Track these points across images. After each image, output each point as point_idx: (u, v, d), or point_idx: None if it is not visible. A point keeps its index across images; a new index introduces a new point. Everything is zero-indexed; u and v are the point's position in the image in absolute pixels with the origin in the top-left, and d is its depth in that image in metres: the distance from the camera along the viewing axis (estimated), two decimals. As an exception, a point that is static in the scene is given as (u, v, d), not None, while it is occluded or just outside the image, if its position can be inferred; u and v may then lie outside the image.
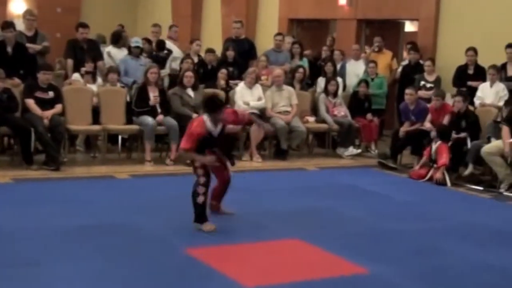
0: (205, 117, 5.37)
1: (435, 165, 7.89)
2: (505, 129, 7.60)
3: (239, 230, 5.54)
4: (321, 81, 10.06)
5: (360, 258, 4.80)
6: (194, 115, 8.37)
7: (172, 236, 5.22)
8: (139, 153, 8.45)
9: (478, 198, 7.23)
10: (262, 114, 9.02)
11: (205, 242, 5.07)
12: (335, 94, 9.59)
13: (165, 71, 9.65)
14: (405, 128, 8.86)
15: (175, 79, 9.16)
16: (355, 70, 10.47)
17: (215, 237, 5.25)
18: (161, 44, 10.06)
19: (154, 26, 10.49)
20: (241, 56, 10.23)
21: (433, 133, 8.06)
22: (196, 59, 9.89)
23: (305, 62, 10.55)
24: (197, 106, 8.53)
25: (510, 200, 7.09)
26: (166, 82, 9.59)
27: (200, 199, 5.34)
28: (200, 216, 5.38)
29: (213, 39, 13.63)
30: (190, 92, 8.58)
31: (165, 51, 10.02)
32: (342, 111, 9.51)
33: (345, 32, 11.87)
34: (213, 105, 5.39)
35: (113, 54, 9.58)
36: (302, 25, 13.13)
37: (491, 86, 8.66)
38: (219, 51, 10.61)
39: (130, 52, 9.32)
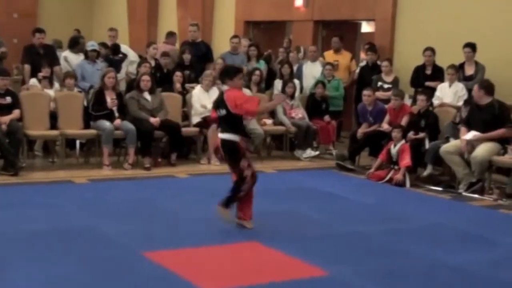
0: (229, 87, 5.46)
1: (396, 166, 7.88)
2: (463, 130, 7.64)
3: (198, 233, 5.45)
4: (278, 83, 10.00)
5: (319, 260, 4.74)
6: (152, 119, 8.26)
7: (130, 239, 5.17)
8: (97, 157, 8.37)
9: (437, 199, 7.24)
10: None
11: (163, 246, 5.00)
12: (292, 96, 9.54)
13: (121, 75, 9.51)
14: (363, 129, 8.85)
15: (132, 83, 9.02)
16: (312, 72, 10.44)
17: (173, 240, 5.18)
18: (116, 48, 9.94)
19: (111, 30, 10.36)
20: (198, 59, 10.18)
21: (395, 134, 8.02)
22: (153, 63, 9.75)
23: (261, 64, 10.48)
24: (154, 110, 8.42)
25: (469, 200, 7.12)
26: (123, 86, 9.44)
27: (239, 194, 5.42)
28: (230, 202, 5.45)
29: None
30: (147, 96, 8.50)
31: (120, 55, 9.89)
32: (299, 113, 9.46)
33: (302, 34, 11.85)
34: (232, 71, 5.53)
35: (70, 59, 9.57)
36: (258, 27, 13.10)
37: (449, 86, 8.71)
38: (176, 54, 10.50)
39: (86, 57, 9.34)
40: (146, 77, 8.49)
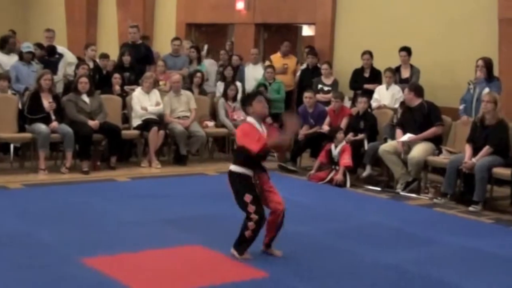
0: (249, 119, 4.84)
1: (337, 167, 7.99)
2: (398, 132, 7.84)
3: (138, 238, 5.37)
4: (220, 86, 9.99)
5: (260, 261, 4.75)
6: (90, 122, 8.12)
7: (68, 246, 5.04)
8: (32, 161, 8.16)
9: (376, 199, 7.39)
10: (160, 120, 8.84)
11: (101, 252, 4.89)
12: (234, 99, 9.56)
13: (58, 77, 9.29)
14: (304, 131, 8.94)
15: (70, 85, 8.84)
16: (254, 74, 10.49)
17: (112, 245, 5.08)
18: (51, 49, 9.71)
19: (47, 31, 10.10)
20: (138, 61, 10.08)
21: (336, 136, 8.13)
22: (91, 65, 9.59)
23: (203, 67, 10.46)
24: (93, 113, 8.28)
25: (406, 200, 7.30)
26: (60, 88, 9.23)
27: (247, 234, 4.75)
28: (242, 248, 4.82)
29: (109, 44, 13.31)
30: (85, 98, 8.34)
31: (56, 56, 9.66)
32: (241, 116, 9.44)
33: (244, 37, 11.90)
34: (249, 96, 4.96)
35: (1, 60, 9.22)
36: (200, 29, 13.06)
37: (387, 88, 8.93)
38: (116, 56, 10.36)
39: (21, 58, 9.06)
40: (84, 79, 8.33)
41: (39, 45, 9.72)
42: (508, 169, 6.69)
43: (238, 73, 10.55)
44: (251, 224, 4.70)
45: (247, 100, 4.89)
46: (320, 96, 9.45)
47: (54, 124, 7.96)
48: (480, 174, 6.80)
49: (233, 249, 4.84)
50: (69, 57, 9.95)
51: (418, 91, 7.78)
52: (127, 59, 9.79)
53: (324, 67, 9.81)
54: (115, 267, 4.57)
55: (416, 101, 7.74)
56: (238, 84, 9.98)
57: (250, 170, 4.75)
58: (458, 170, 7.06)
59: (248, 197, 4.70)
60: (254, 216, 4.67)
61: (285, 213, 4.83)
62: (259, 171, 4.81)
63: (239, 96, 9.75)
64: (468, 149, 7.06)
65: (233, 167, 4.80)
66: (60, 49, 9.98)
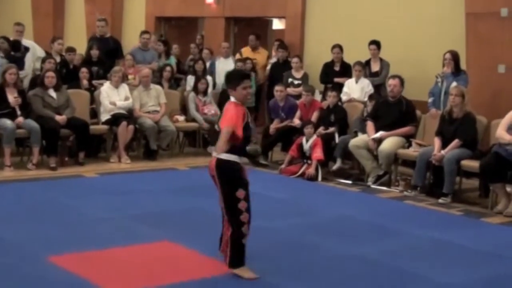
0: (233, 99, 4.33)
1: (309, 161, 7.99)
2: (369, 124, 7.86)
3: (107, 235, 5.29)
4: (190, 80, 9.91)
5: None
6: (57, 117, 7.98)
7: (34, 244, 4.94)
8: (-3, 158, 7.96)
9: (347, 192, 7.41)
10: (130, 115, 8.73)
11: (68, 250, 4.80)
12: (205, 93, 9.48)
13: (24, 72, 9.10)
14: (275, 125, 8.92)
15: (36, 79, 8.66)
16: (224, 68, 10.38)
17: (80, 243, 4.99)
18: (16, 44, 9.49)
19: (18, 25, 9.85)
20: (107, 55, 9.96)
21: (308, 130, 8.12)
22: (58, 59, 9.41)
23: (171, 60, 10.36)
24: (60, 107, 8.15)
25: (377, 193, 7.33)
26: (26, 83, 9.04)
27: (245, 240, 4.27)
28: (240, 258, 4.30)
29: (77, 37, 13.09)
30: (52, 93, 8.20)
31: (22, 50, 9.45)
32: (212, 110, 9.40)
33: (214, 30, 11.81)
34: (236, 76, 4.42)
35: None
36: (169, 23, 12.93)
37: (356, 82, 8.94)
38: (84, 50, 10.19)
39: (-16, 53, 8.85)
40: (50, 73, 8.18)
41: (5, 38, 9.50)
42: (476, 161, 6.76)
43: (209, 67, 10.46)
44: (245, 229, 4.18)
45: (234, 81, 4.33)
46: (290, 90, 9.43)
47: (20, 119, 7.80)
48: (449, 167, 6.86)
49: (234, 269, 4.26)
50: (38, 51, 9.75)
51: (402, 80, 7.80)
52: (95, 53, 9.66)
53: (294, 60, 9.79)
54: (83, 265, 4.49)
55: (399, 91, 7.74)
56: (209, 78, 9.90)
57: (238, 157, 4.27)
58: (428, 162, 7.12)
59: (241, 193, 4.18)
60: (246, 216, 4.17)
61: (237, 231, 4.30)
62: (243, 160, 4.37)
63: (210, 90, 9.69)
64: (437, 141, 7.12)
65: (221, 155, 4.21)
66: (29, 43, 9.77)
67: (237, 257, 4.26)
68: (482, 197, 7.08)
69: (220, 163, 4.25)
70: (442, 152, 6.97)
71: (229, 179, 4.24)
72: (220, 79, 10.28)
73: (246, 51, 10.81)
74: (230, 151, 4.24)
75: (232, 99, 4.35)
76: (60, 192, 6.75)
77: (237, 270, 4.28)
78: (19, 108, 7.90)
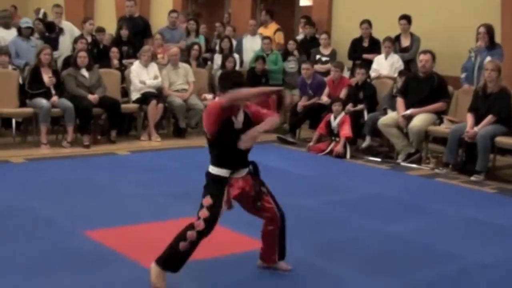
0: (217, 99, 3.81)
1: (337, 139, 7.97)
2: (399, 101, 7.78)
3: (139, 210, 5.37)
4: (217, 58, 9.92)
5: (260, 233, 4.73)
6: (90, 96, 8.09)
7: (70, 219, 5.04)
8: (34, 136, 8.17)
9: (376, 169, 7.38)
10: (159, 93, 8.80)
11: (104, 224, 4.90)
12: (233, 71, 9.48)
13: (58, 52, 9.25)
14: (302, 102, 8.91)
15: (69, 60, 8.81)
16: (251, 45, 10.39)
17: (114, 218, 5.08)
18: (51, 25, 9.70)
19: (57, 6, 10.18)
20: (136, 34, 10.05)
21: (335, 108, 8.08)
22: (89, 39, 9.52)
23: (201, 39, 10.37)
24: (92, 87, 8.27)
25: (407, 170, 7.28)
26: (60, 63, 9.18)
27: (182, 245, 3.70)
28: (169, 262, 3.73)
29: (107, 18, 13.18)
30: (84, 72, 8.32)
31: (56, 32, 9.64)
32: (240, 88, 9.40)
33: (241, 8, 11.77)
34: (227, 81, 3.71)
35: (0, 35, 9.18)
36: (197, 1, 12.91)
37: (386, 58, 8.84)
38: (113, 30, 10.27)
39: (20, 33, 9.03)
40: (83, 54, 8.30)
41: (40, 20, 9.69)
42: (511, 138, 6.65)
43: (236, 45, 10.45)
44: (191, 234, 3.66)
45: (225, 84, 3.69)
46: (318, 67, 9.39)
47: (55, 98, 7.95)
48: (482, 143, 6.76)
49: (155, 265, 3.70)
50: (76, 32, 9.93)
51: (433, 55, 7.69)
52: (124, 33, 9.75)
53: (322, 37, 9.72)
54: (117, 240, 4.57)
55: (431, 66, 7.64)
56: (236, 56, 9.90)
57: (226, 170, 3.72)
58: (460, 139, 7.03)
59: (207, 201, 3.70)
60: (200, 224, 3.66)
61: (284, 218, 3.98)
62: (241, 172, 3.77)
63: (237, 68, 9.69)
64: (470, 118, 7.01)
65: (210, 168, 3.78)
66: (67, 24, 9.97)
67: (168, 258, 3.73)
68: (516, 175, 6.99)
69: (206, 175, 3.82)
70: (475, 128, 6.87)
71: (205, 188, 3.79)
72: (247, 56, 10.28)
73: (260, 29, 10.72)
74: (216, 162, 3.77)
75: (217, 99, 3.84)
76: (94, 169, 6.88)
77: (154, 270, 3.70)
78: (54, 87, 8.04)
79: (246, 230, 4.78)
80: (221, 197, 3.71)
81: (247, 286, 3.82)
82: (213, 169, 3.75)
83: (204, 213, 3.69)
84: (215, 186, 3.73)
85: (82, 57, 8.24)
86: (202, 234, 3.69)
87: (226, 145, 3.68)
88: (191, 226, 3.71)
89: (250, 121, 3.72)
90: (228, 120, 3.64)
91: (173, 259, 3.71)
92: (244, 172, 3.79)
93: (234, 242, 4.67)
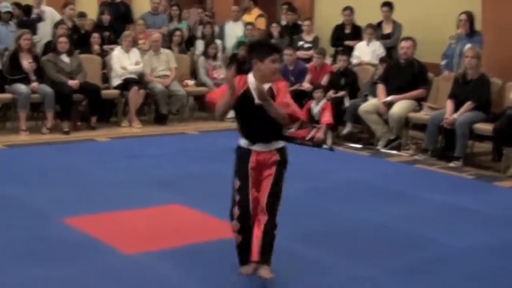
0: (261, 71, 3.57)
1: (318, 125, 7.98)
2: (380, 87, 7.80)
3: (119, 197, 5.35)
4: (199, 44, 9.87)
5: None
6: (70, 82, 8.02)
7: (49, 206, 5.03)
8: (13, 122, 8.10)
9: (357, 156, 7.41)
10: (140, 79, 8.75)
11: (82, 212, 4.89)
12: (214, 57, 9.45)
13: (38, 37, 9.12)
14: (285, 89, 8.88)
15: (49, 45, 8.72)
16: (234, 32, 10.34)
17: (94, 205, 5.07)
18: (27, 9, 9.54)
19: None
20: (117, 20, 9.94)
21: (317, 94, 8.08)
22: (70, 24, 9.41)
23: (184, 25, 10.30)
24: (73, 73, 8.20)
25: (387, 157, 7.32)
26: (39, 48, 9.07)
27: (234, 236, 3.71)
28: (239, 256, 3.74)
29: (88, 2, 13.00)
30: (65, 58, 8.26)
31: (33, 16, 9.48)
32: (222, 74, 9.38)
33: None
34: (263, 47, 3.60)
35: None
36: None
37: (367, 44, 8.86)
38: (95, 15, 10.17)
39: (-1, 18, 8.91)
40: (63, 39, 8.23)
41: (16, 4, 9.54)
42: (490, 124, 6.70)
43: (218, 31, 10.40)
44: (233, 224, 3.68)
45: (261, 51, 3.56)
46: (300, 53, 9.37)
47: (34, 84, 7.88)
48: (461, 130, 6.81)
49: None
50: (57, 17, 9.78)
51: (415, 42, 7.72)
52: (106, 18, 9.67)
53: (305, 23, 9.70)
54: (97, 227, 4.57)
55: (412, 53, 7.68)
56: (218, 42, 9.86)
57: (245, 141, 3.68)
58: (439, 126, 7.07)
59: (236, 182, 3.68)
60: (235, 211, 3.67)
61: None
62: (261, 147, 3.67)
63: (220, 54, 9.65)
64: (449, 104, 7.05)
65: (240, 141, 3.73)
66: (47, 9, 9.80)
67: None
68: (494, 161, 7.00)
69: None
70: (455, 115, 6.92)
71: (234, 165, 3.77)
72: (230, 42, 10.24)
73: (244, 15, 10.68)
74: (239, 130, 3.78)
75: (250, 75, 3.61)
76: (73, 155, 6.85)
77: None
78: (34, 73, 7.95)
79: (228, 217, 4.80)
80: (247, 173, 3.65)
81: (228, 272, 3.81)
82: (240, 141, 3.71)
83: (237, 196, 3.67)
84: (239, 162, 3.70)
85: (63, 43, 8.16)
86: (242, 219, 3.66)
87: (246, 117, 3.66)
88: (230, 217, 3.69)
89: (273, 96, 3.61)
90: (248, 93, 3.59)
91: (239, 253, 3.73)
92: (266, 147, 3.69)
93: (217, 228, 4.65)
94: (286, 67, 8.97)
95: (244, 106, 3.63)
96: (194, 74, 9.52)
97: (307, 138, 7.98)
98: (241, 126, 3.74)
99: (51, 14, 9.68)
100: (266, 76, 3.57)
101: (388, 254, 4.27)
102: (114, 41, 9.43)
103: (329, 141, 7.88)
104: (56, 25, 9.07)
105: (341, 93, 8.26)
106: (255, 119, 3.62)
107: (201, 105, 9.83)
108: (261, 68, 3.56)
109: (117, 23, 9.86)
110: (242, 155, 3.70)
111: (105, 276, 3.78)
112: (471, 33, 7.71)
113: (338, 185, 6.03)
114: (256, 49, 3.63)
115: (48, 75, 8.09)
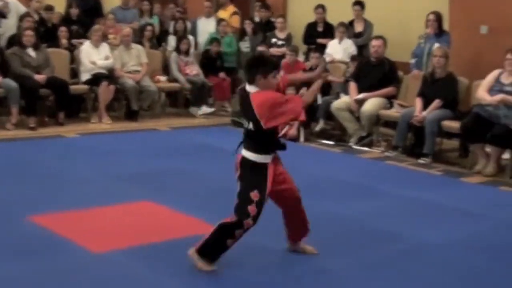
0: (266, 85, 3.67)
1: (291, 122, 7.96)
2: (352, 85, 7.84)
3: (88, 195, 5.26)
4: (171, 40, 9.78)
5: (214, 216, 4.64)
6: (36, 76, 7.87)
7: (14, 203, 4.91)
8: (-24, 118, 7.92)
9: (329, 153, 7.43)
10: (110, 74, 8.63)
11: (49, 209, 4.78)
12: (187, 53, 9.38)
13: (1, 30, 8.92)
14: (257, 85, 8.87)
15: (14, 38, 8.51)
16: (206, 28, 10.29)
17: (60, 202, 4.97)
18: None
19: None
20: (86, 13, 9.76)
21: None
22: (36, 17, 9.23)
23: (155, 20, 10.20)
24: (39, 67, 8.05)
25: (358, 153, 7.36)
26: (3, 41, 8.88)
27: (230, 242, 3.72)
28: (215, 256, 3.76)
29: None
30: (31, 52, 8.09)
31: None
32: (194, 70, 9.33)
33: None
34: (269, 65, 3.70)
35: None
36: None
37: (339, 43, 8.91)
38: (62, 8, 10.00)
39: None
40: (29, 32, 8.06)
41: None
42: (457, 122, 6.79)
43: (191, 27, 10.32)
44: (239, 232, 3.66)
45: (265, 68, 3.65)
46: (273, 50, 9.37)
47: (-2, 79, 7.70)
48: (430, 127, 6.89)
49: (197, 255, 3.74)
50: (21, 9, 9.55)
51: (385, 41, 7.77)
52: (74, 11, 9.50)
53: (279, 20, 9.72)
54: (64, 225, 4.47)
55: (383, 52, 7.73)
56: (191, 38, 9.79)
57: (268, 156, 3.73)
58: (409, 123, 7.14)
59: (255, 195, 3.64)
60: (249, 222, 3.63)
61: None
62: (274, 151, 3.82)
63: (192, 50, 9.58)
64: (418, 102, 7.13)
65: (249, 155, 3.73)
66: (13, 2, 9.55)
67: (214, 252, 3.75)
68: (461, 157, 7.13)
69: (244, 161, 3.80)
70: (424, 113, 6.99)
71: (248, 178, 3.78)
72: (202, 38, 10.18)
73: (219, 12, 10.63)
74: (258, 149, 3.77)
75: (253, 88, 3.67)
76: (40, 152, 6.70)
77: (197, 258, 3.75)
78: (-3, 67, 7.78)
79: (200, 213, 4.76)
80: (266, 188, 3.69)
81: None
82: (256, 158, 3.71)
83: (253, 209, 3.65)
84: (258, 176, 3.70)
85: (28, 36, 7.99)
86: (248, 230, 3.71)
87: (273, 131, 3.73)
88: (238, 225, 3.65)
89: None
90: None
91: (217, 252, 3.74)
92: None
93: (189, 225, 4.64)
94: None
95: None
96: (166, 70, 9.43)
97: (280, 135, 7.95)
98: (267, 140, 3.75)
99: (15, 6, 9.44)
100: (270, 88, 3.71)
101: (358, 248, 4.29)
102: (83, 35, 9.28)
103: (301, 137, 7.89)
104: (22, 18, 8.86)
105: (312, 90, 8.26)
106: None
107: (173, 101, 9.75)
108: (264, 83, 3.66)
109: (86, 17, 9.69)
110: (262, 170, 3.73)
111: (72, 275, 3.70)
112: (439, 33, 7.81)
113: (310, 181, 6.00)
114: (260, 65, 3.69)
115: (12, 69, 7.90)
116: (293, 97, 3.80)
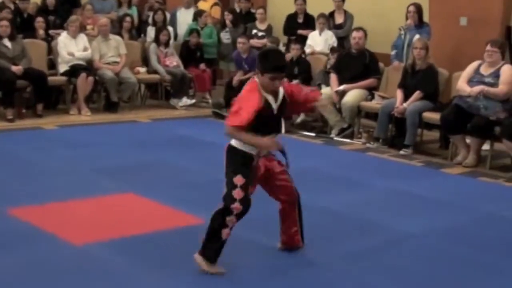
0: (260, 81, 3.60)
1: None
2: (333, 77, 7.84)
3: (68, 187, 5.19)
4: (150, 31, 9.69)
5: (196, 209, 4.66)
6: (13, 67, 7.74)
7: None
8: (-48, 111, 7.77)
9: (310, 144, 7.43)
10: (89, 66, 8.52)
11: (30, 202, 4.71)
12: (166, 44, 9.29)
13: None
14: (238, 77, 8.84)
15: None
16: (186, 19, 10.20)
17: (40, 196, 4.89)
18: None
19: None
20: (63, 4, 9.66)
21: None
22: (12, 7, 9.08)
23: (133, 10, 10.09)
24: (16, 58, 7.93)
25: (340, 145, 7.36)
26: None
27: (225, 233, 3.63)
28: (214, 253, 3.66)
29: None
30: (6, 42, 7.95)
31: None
32: (174, 61, 9.25)
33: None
34: (268, 63, 3.57)
35: None
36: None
37: (320, 34, 8.89)
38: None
39: None
40: (5, 23, 7.93)
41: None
42: (437, 113, 6.83)
43: (170, 18, 10.23)
44: (230, 219, 3.59)
45: (263, 65, 3.58)
46: (254, 42, 9.33)
47: (-27, 70, 7.58)
48: (411, 119, 6.92)
49: (200, 257, 3.65)
50: None
51: (366, 33, 7.77)
52: (51, 1, 9.39)
53: (259, 11, 9.68)
54: (44, 218, 4.42)
55: (363, 43, 7.73)
56: (170, 29, 9.70)
57: (254, 148, 3.65)
58: (390, 115, 7.16)
59: (239, 179, 3.60)
60: (237, 207, 3.57)
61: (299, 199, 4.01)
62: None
63: (171, 41, 9.50)
64: (399, 94, 7.15)
65: (234, 142, 3.68)
66: None
67: (211, 248, 3.67)
68: (442, 149, 7.18)
69: (229, 149, 3.74)
70: (404, 104, 7.01)
71: (232, 164, 3.73)
72: (181, 29, 10.09)
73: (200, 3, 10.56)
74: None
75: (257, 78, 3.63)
76: (18, 144, 6.60)
77: (200, 260, 3.67)
78: (-28, 58, 7.66)
79: (181, 205, 4.72)
80: (250, 175, 3.63)
81: (186, 260, 3.74)
82: (241, 146, 3.64)
83: (239, 193, 3.59)
84: (243, 164, 3.64)
85: (4, 26, 7.87)
86: (241, 215, 3.63)
87: (262, 127, 3.63)
88: (227, 211, 3.58)
89: (285, 102, 3.74)
90: (268, 104, 3.63)
91: (215, 247, 3.64)
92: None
93: (170, 217, 4.61)
94: (239, 55, 8.92)
95: (264, 115, 3.62)
96: (145, 61, 9.34)
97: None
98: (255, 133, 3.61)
99: None
100: (264, 87, 3.60)
101: (340, 240, 4.29)
102: (60, 26, 9.15)
103: (283, 129, 7.85)
104: (-4, 8, 8.73)
105: (294, 82, 8.24)
106: (271, 125, 3.73)
107: (153, 93, 9.67)
108: (261, 80, 3.59)
109: (63, 7, 9.58)
110: (248, 160, 3.66)
111: (53, 268, 3.65)
112: (420, 25, 7.85)
113: (291, 172, 5.98)
114: (262, 60, 3.63)
115: (-12, 60, 7.79)
116: (247, 108, 3.54)
